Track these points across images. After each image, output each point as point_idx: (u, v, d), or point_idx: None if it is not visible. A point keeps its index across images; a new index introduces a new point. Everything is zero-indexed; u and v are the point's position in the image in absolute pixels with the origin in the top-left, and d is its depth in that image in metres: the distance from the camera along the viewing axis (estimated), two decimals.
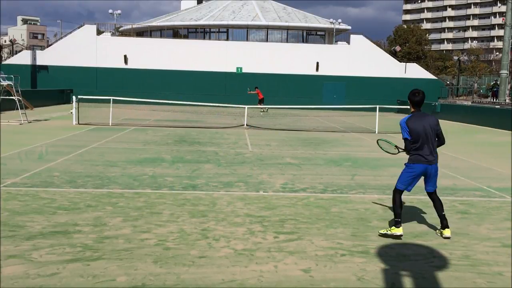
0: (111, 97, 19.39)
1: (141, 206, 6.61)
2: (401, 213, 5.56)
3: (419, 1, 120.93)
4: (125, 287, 4.00)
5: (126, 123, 19.07)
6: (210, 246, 5.07)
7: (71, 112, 18.61)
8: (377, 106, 20.38)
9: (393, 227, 5.50)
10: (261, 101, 29.71)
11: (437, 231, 5.75)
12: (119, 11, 40.63)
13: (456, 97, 46.56)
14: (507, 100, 34.57)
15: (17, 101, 18.35)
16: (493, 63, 72.53)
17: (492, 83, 43.34)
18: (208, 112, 28.72)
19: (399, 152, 6.08)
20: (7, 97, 18.99)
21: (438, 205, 5.67)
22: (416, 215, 6.64)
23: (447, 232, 5.56)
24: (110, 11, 40.67)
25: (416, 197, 7.76)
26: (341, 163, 11.12)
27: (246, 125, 19.78)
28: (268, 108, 29.64)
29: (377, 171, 10.07)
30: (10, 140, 12.91)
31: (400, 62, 39.45)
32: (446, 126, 23.31)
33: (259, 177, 9.03)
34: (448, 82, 46.60)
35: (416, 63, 43.52)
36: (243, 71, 37.16)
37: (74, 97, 18.67)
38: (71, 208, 6.41)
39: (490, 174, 10.10)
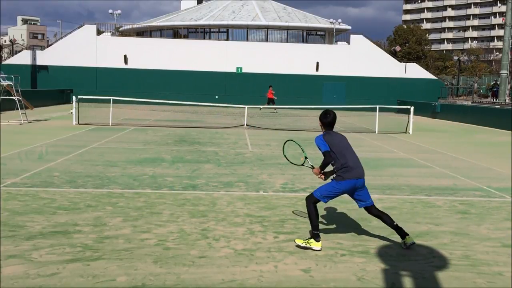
0: (111, 97, 19.39)
1: (141, 206, 6.61)
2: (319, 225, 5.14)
3: (419, 1, 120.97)
4: (125, 287, 4.00)
5: (126, 123, 19.07)
6: (210, 246, 5.07)
7: (71, 112, 18.61)
8: (377, 106, 20.39)
9: (312, 240, 5.04)
10: (269, 101, 29.65)
11: (401, 242, 5.19)
12: (119, 11, 40.65)
13: (456, 97, 46.57)
14: (507, 100, 34.58)
15: (17, 101, 18.35)
16: (493, 63, 72.56)
17: (492, 83, 43.37)
18: (208, 112, 28.72)
19: (303, 164, 5.53)
20: (7, 97, 18.99)
21: (386, 219, 5.20)
22: (416, 215, 6.63)
23: (410, 239, 5.10)
24: (110, 11, 40.72)
25: (416, 197, 7.76)
26: None
27: (246, 125, 19.78)
28: (263, 107, 29.52)
29: (377, 171, 10.07)
30: (10, 140, 12.91)
31: (400, 62, 39.46)
32: (446, 126, 23.33)
33: (259, 177, 9.03)
34: (446, 83, 46.58)
35: (416, 63, 43.54)
36: (243, 71, 37.16)
37: (74, 97, 18.67)
38: (71, 208, 6.41)
39: (490, 174, 10.10)
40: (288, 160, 5.92)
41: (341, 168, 5.10)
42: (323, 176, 5.33)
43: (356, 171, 5.11)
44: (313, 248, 5.00)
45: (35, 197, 6.95)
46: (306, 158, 5.61)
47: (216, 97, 34.90)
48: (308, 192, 7.85)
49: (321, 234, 5.32)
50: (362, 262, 4.74)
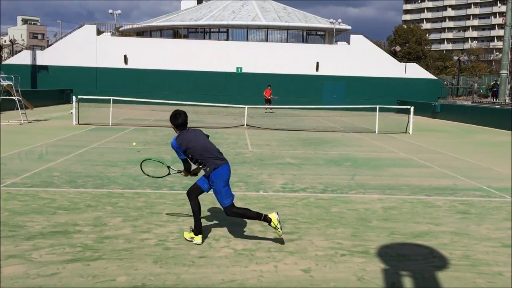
0: (111, 97, 19.39)
1: (141, 206, 6.61)
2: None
3: (419, 1, 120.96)
4: (125, 287, 4.00)
5: (126, 123, 19.07)
6: (210, 246, 5.07)
7: (71, 112, 18.61)
8: (377, 106, 20.38)
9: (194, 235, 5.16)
10: (268, 101, 29.58)
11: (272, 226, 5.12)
12: (119, 11, 40.64)
13: (456, 97, 46.57)
14: (507, 100, 34.59)
15: (17, 101, 18.35)
16: (493, 63, 72.56)
17: (492, 83, 43.37)
18: (208, 112, 28.72)
19: (169, 173, 5.57)
20: (7, 97, 18.99)
21: (248, 212, 5.16)
22: (416, 215, 6.63)
23: (273, 216, 5.08)
24: (110, 11, 40.71)
25: (416, 197, 7.76)
26: (341, 163, 11.12)
27: (246, 125, 19.77)
28: (272, 108, 29.60)
29: (377, 171, 10.07)
30: (10, 140, 12.91)
31: (400, 62, 39.45)
32: (446, 126, 23.32)
33: (259, 177, 9.03)
34: (446, 83, 46.57)
35: (416, 63, 43.53)
36: (243, 71, 37.16)
37: (74, 97, 18.68)
38: (71, 208, 6.41)
39: (490, 174, 10.10)
40: (153, 176, 5.91)
41: (210, 161, 5.05)
42: (196, 172, 5.40)
43: (220, 158, 5.12)
44: (195, 243, 5.11)
45: (35, 197, 6.94)
46: (169, 167, 5.62)
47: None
48: (308, 192, 7.88)
49: (321, 234, 5.31)
50: (362, 262, 4.74)
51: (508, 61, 35.16)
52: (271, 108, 29.81)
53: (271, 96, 29.74)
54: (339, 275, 4.39)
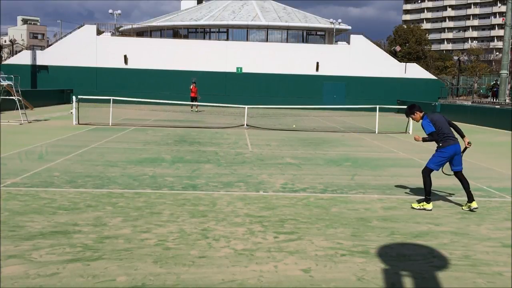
0: (111, 97, 19.39)
1: (141, 206, 6.61)
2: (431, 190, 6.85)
3: (419, 1, 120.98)
4: (125, 287, 4.00)
5: (126, 123, 19.07)
6: (210, 246, 5.07)
7: (71, 112, 18.61)
8: (377, 106, 20.39)
9: (425, 203, 6.83)
10: (194, 99, 28.27)
11: (465, 205, 6.94)
12: (119, 11, 40.65)
13: (456, 97, 46.59)
14: (507, 100, 34.59)
15: (17, 101, 18.35)
16: (493, 63, 72.55)
17: (492, 83, 43.38)
18: (208, 112, 28.71)
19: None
20: (7, 97, 18.99)
21: (465, 184, 6.91)
22: (416, 215, 6.64)
23: (474, 204, 6.77)
24: (110, 11, 40.71)
25: (416, 197, 7.76)
26: (341, 163, 11.12)
27: (246, 125, 19.77)
28: (198, 105, 28.54)
29: (377, 171, 10.07)
30: (10, 140, 12.91)
31: (400, 62, 39.43)
32: None
33: (259, 177, 9.03)
34: (446, 83, 46.56)
35: (416, 63, 43.51)
36: (243, 71, 37.16)
37: (74, 97, 18.68)
38: (71, 208, 6.41)
39: (490, 174, 10.10)
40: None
41: (444, 138, 7.10)
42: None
43: (454, 139, 6.99)
44: (426, 209, 6.77)
45: (35, 197, 6.94)
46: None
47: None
48: (308, 192, 7.88)
49: (321, 234, 5.29)
50: (362, 262, 4.74)
51: (508, 61, 35.15)
52: (196, 106, 28.78)
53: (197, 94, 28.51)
54: (339, 275, 4.39)
